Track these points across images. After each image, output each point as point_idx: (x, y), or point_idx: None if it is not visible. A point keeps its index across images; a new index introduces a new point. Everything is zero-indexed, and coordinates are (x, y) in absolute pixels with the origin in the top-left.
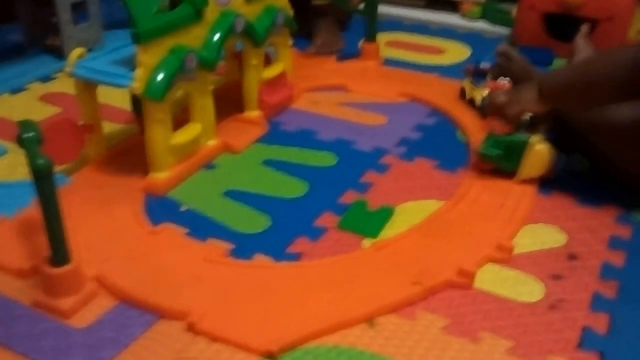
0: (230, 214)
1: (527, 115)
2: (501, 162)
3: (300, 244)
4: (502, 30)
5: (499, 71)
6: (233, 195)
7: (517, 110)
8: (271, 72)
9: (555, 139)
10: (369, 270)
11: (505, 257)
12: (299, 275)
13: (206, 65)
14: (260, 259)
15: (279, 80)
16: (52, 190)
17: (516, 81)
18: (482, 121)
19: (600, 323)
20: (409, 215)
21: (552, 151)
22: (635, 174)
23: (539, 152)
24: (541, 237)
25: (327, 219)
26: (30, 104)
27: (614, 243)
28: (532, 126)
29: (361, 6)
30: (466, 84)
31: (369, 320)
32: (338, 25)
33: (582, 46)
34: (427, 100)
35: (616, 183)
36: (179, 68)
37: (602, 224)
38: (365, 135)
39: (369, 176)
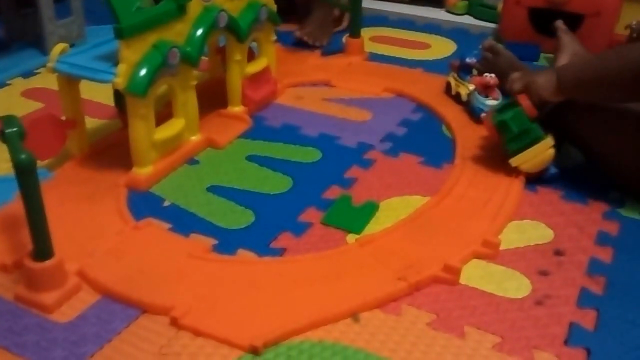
0: (214, 210)
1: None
2: (509, 138)
3: (284, 240)
4: (487, 26)
5: (485, 65)
6: (216, 190)
7: (535, 99)
8: (255, 67)
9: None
10: (354, 265)
11: (491, 252)
12: (283, 271)
13: (189, 60)
14: (244, 254)
15: (262, 76)
16: (35, 185)
17: (503, 75)
18: (476, 123)
19: (587, 319)
20: (394, 210)
21: (554, 157)
22: (626, 165)
23: (546, 154)
24: (528, 232)
25: (311, 215)
26: (12, 100)
27: (602, 239)
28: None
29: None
30: (452, 79)
31: (354, 315)
32: (332, 22)
33: (568, 41)
34: (412, 96)
35: (605, 176)
36: (161, 63)
37: (589, 219)
38: (349, 131)
39: (354, 172)
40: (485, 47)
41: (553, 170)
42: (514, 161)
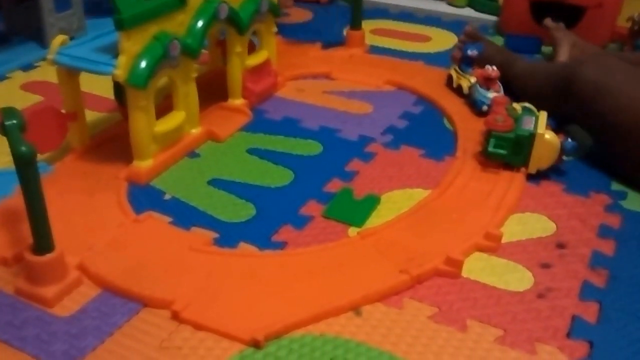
0: (215, 203)
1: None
2: (509, 159)
3: (285, 233)
4: (488, 18)
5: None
6: (217, 183)
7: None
8: (255, 59)
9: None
10: (355, 258)
11: (493, 245)
12: (284, 264)
13: (190, 52)
14: (245, 247)
15: (263, 68)
16: (35, 178)
17: (497, 62)
18: (477, 115)
19: (589, 312)
20: (395, 203)
21: (558, 139)
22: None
23: (548, 142)
24: (530, 225)
25: (312, 208)
26: (12, 93)
27: (604, 231)
28: None
29: None
30: (453, 71)
31: (356, 308)
32: None
33: (562, 37)
34: (413, 88)
35: (607, 168)
36: (162, 55)
37: (591, 212)
38: (350, 124)
39: (355, 165)
40: (467, 33)
41: (569, 144)
42: (531, 170)
